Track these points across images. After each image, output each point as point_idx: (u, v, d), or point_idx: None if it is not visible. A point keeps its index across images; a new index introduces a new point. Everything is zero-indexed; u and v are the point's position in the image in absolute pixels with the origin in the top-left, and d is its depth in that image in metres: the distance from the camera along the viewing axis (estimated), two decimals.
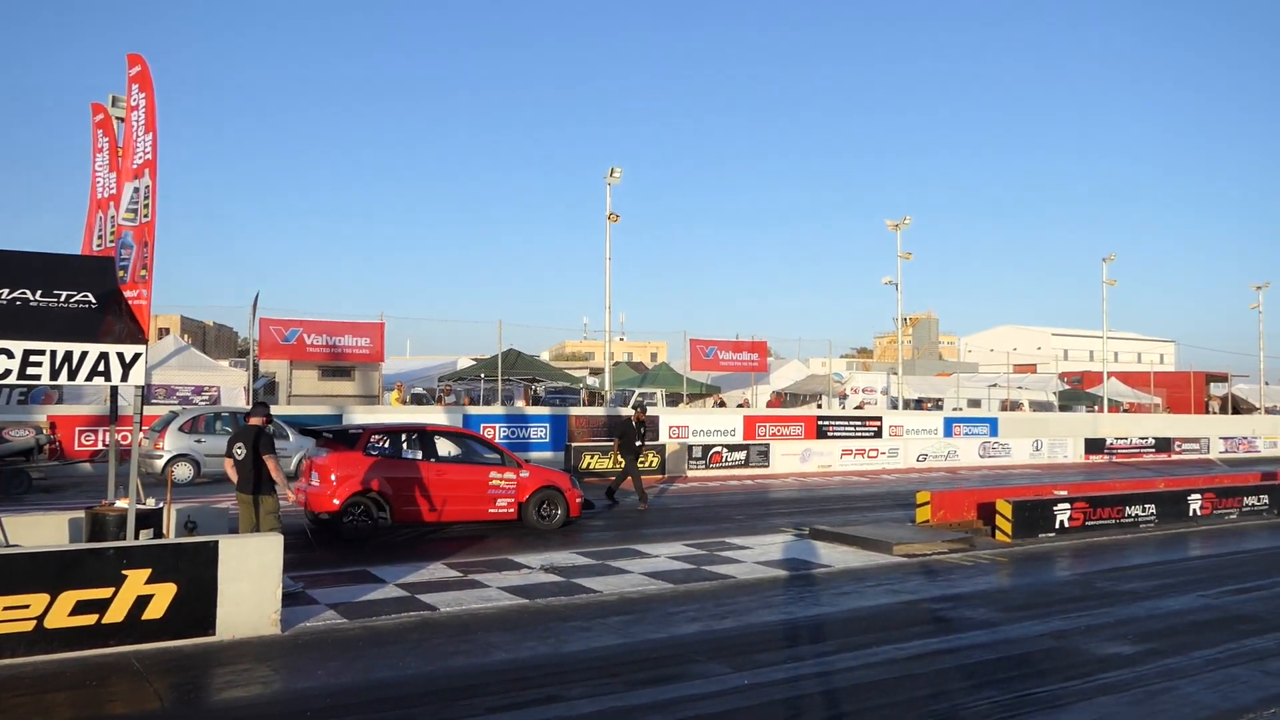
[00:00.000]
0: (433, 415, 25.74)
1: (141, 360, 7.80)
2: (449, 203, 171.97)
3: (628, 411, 25.89)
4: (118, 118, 9.56)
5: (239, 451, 10.14)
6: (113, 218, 8.81)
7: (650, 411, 30.65)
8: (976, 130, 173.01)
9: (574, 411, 29.21)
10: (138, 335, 7.86)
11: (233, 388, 25.47)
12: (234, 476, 10.24)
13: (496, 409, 27.57)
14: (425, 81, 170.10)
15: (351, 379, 27.19)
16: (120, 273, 8.34)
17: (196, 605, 7.69)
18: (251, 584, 7.95)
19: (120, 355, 7.67)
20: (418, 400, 31.42)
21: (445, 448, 14.45)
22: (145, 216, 8.33)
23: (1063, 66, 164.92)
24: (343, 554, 12.03)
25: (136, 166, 8.74)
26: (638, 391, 35.38)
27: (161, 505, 9.00)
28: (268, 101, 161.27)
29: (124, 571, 7.40)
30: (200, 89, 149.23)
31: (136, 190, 8.59)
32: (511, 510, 14.43)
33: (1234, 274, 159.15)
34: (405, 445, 14.07)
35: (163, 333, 44.84)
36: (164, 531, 8.79)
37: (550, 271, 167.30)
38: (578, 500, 15.08)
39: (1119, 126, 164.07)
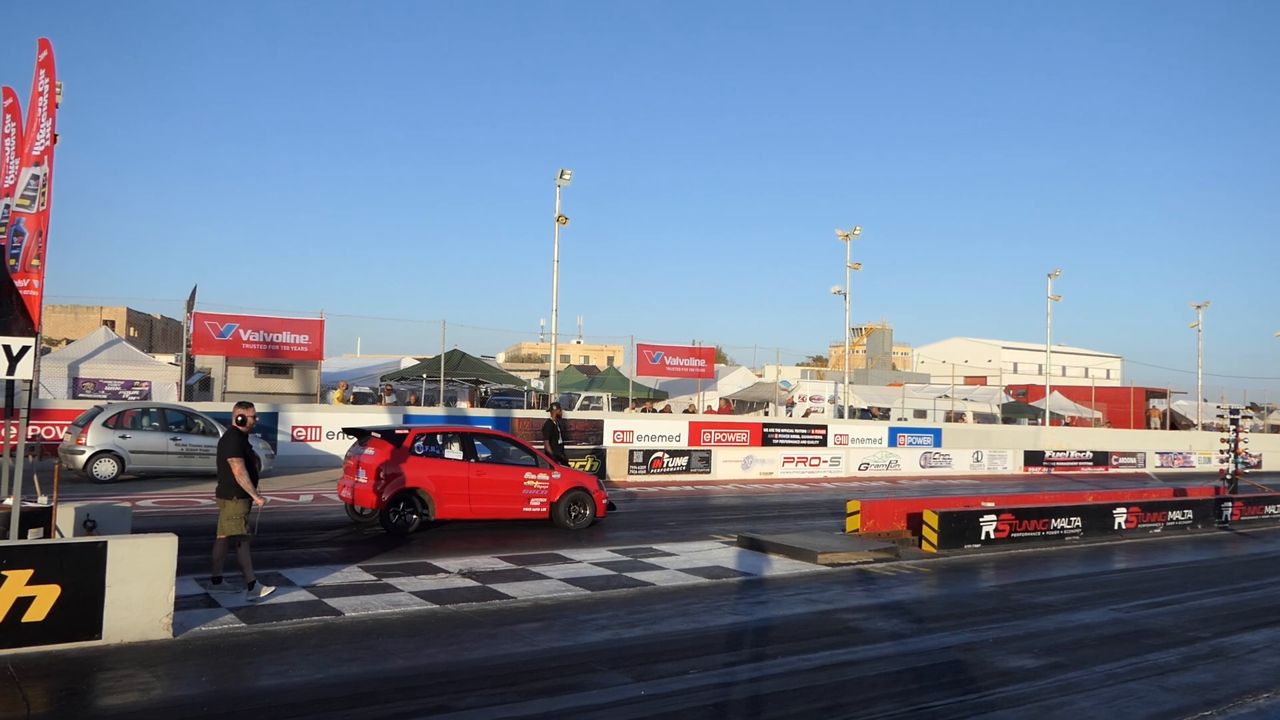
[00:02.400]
0: (373, 415, 25.37)
1: (31, 352, 7.52)
2: (401, 202, 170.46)
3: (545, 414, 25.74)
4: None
5: (213, 454, 9.82)
6: (6, 205, 8.50)
7: (595, 416, 30.53)
8: (934, 143, 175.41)
9: (518, 414, 28.97)
10: (27, 327, 7.57)
11: (165, 383, 24.88)
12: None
13: (438, 410, 27.25)
14: (375, 77, 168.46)
15: (289, 377, 26.70)
16: (11, 261, 8.03)
17: (82, 608, 7.41)
18: (142, 587, 7.68)
19: (7, 348, 7.38)
20: (360, 399, 30.94)
21: (485, 449, 15.11)
22: (41, 205, 8.05)
23: (1014, 81, 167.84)
24: (254, 556, 11.71)
25: (37, 154, 8.45)
26: (583, 395, 35.22)
27: (52, 504, 8.67)
28: (218, 94, 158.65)
29: (3, 572, 7.11)
30: (146, 80, 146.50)
31: (35, 177, 8.30)
32: (544, 510, 15.13)
33: (1178, 292, 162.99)
34: (448, 446, 14.73)
35: (108, 325, 43.79)
36: (52, 531, 8.47)
37: (506, 273, 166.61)
38: (604, 501, 15.90)
39: (1069, 142, 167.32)
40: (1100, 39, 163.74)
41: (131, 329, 70.17)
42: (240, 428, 9.54)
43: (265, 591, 9.28)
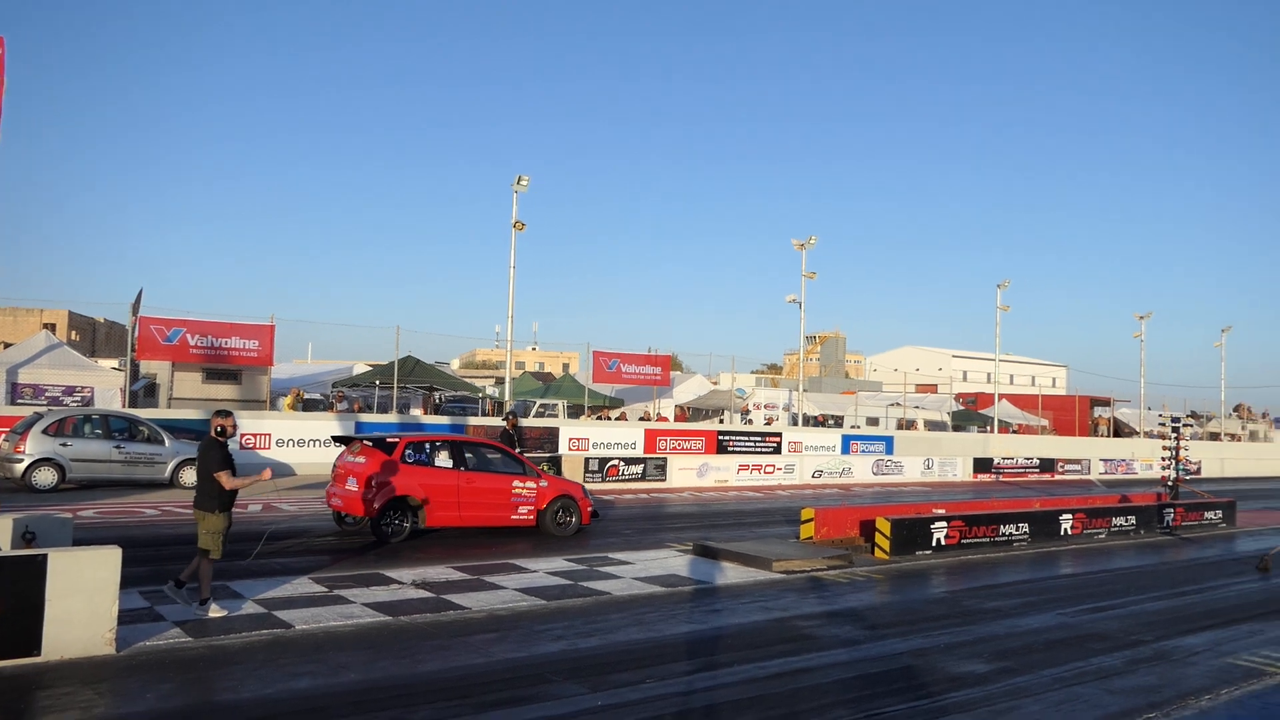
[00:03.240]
0: (324, 423, 25.01)
1: None
2: (355, 207, 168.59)
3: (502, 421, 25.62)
4: None
5: (195, 464, 9.39)
6: None
7: (550, 423, 30.41)
8: (888, 152, 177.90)
9: (472, 421, 28.75)
10: None
11: (109, 389, 24.25)
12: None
13: (391, 417, 26.96)
14: (328, 80, 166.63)
15: (238, 383, 26.20)
16: None
17: (20, 623, 7.18)
18: (85, 601, 7.47)
19: None
20: (311, 406, 30.47)
21: (474, 457, 15.18)
22: None
23: (965, 91, 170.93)
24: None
25: None
26: (539, 402, 35.07)
27: None
28: (165, 93, 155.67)
29: None
30: (90, 75, 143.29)
31: None
32: (531, 517, 15.31)
33: (1121, 303, 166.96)
34: (437, 454, 14.83)
35: (49, 328, 42.60)
36: None
37: (461, 279, 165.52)
38: (589, 509, 16.09)
39: (1017, 152, 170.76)
40: (1047, 48, 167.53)
41: (73, 332, 68.40)
42: (220, 438, 9.25)
43: (216, 613, 9.00)
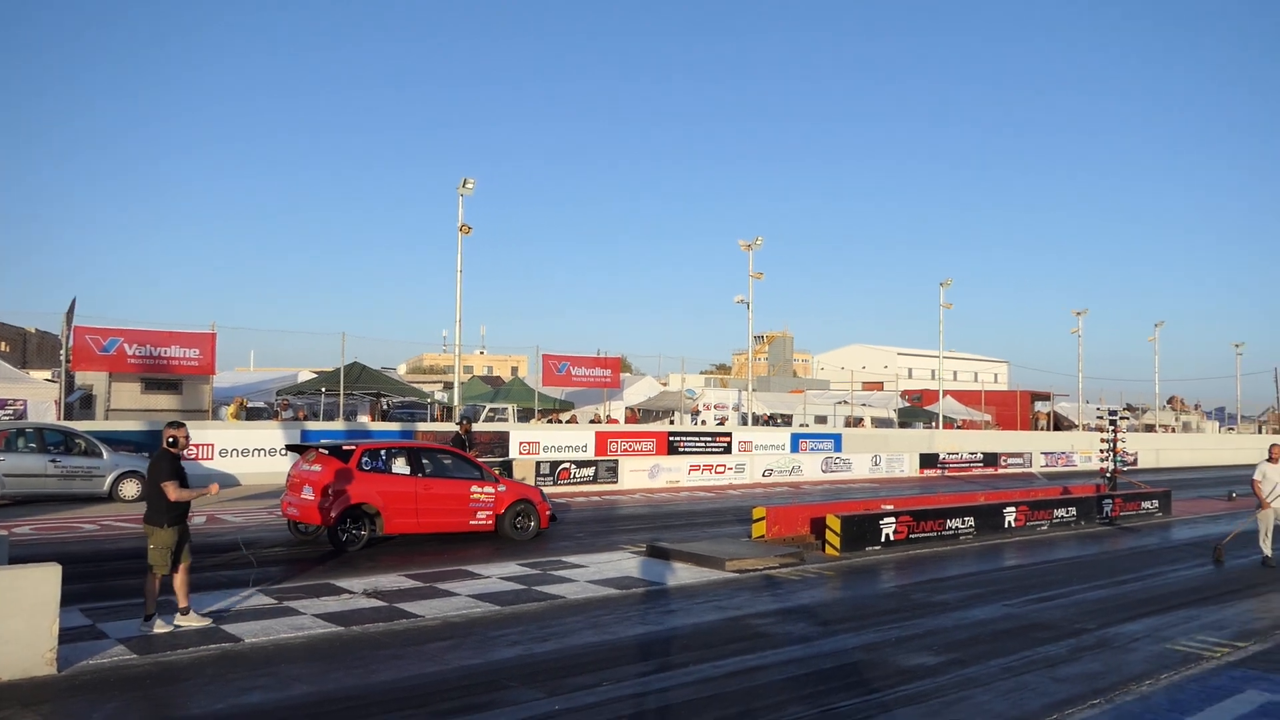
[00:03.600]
0: (268, 431, 24.58)
1: None
2: (298, 211, 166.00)
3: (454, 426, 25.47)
4: None
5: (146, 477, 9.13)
6: None
7: (501, 427, 30.25)
8: (833, 152, 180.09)
9: (421, 427, 28.49)
10: None
11: (42, 401, 23.54)
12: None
13: (337, 424, 26.57)
14: (269, 82, 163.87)
15: (179, 393, 25.62)
16: None
17: None
18: (24, 621, 7.26)
19: None
20: (255, 415, 29.90)
21: (431, 464, 15.12)
22: None
23: (903, 92, 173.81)
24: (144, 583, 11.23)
25: None
26: (488, 407, 34.85)
27: None
28: (96, 95, 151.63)
29: None
30: (14, 75, 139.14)
31: None
32: (490, 522, 15.30)
33: (1060, 300, 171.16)
34: (394, 461, 14.75)
35: None
36: None
37: (408, 284, 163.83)
38: (547, 513, 16.10)
39: (957, 151, 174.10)
40: (988, 47, 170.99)
41: (3, 343, 66.26)
42: (172, 449, 9.06)
43: (161, 629, 8.79)
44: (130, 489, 19.37)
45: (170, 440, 9.08)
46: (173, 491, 8.84)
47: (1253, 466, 15.49)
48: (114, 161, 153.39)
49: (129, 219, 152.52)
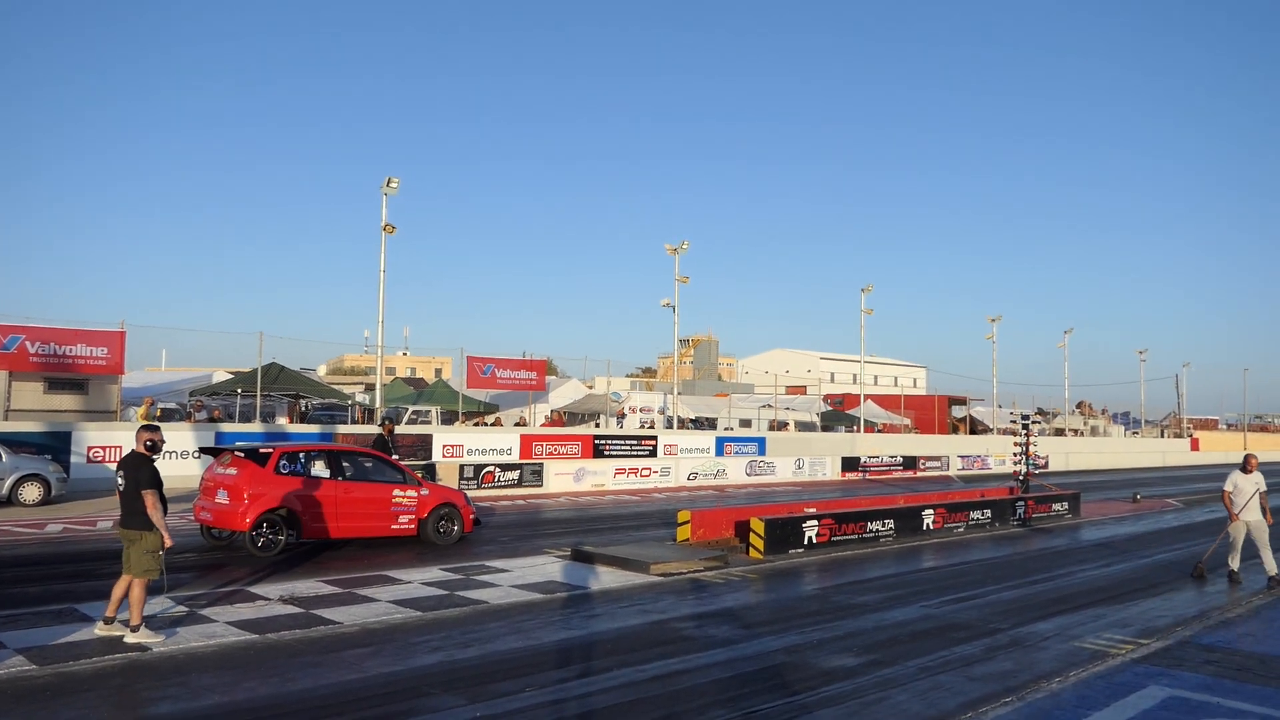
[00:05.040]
0: (180, 433, 23.77)
1: None
2: (213, 207, 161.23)
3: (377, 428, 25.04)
4: None
5: (119, 481, 8.66)
6: None
7: (424, 430, 29.81)
8: (756, 156, 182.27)
9: (342, 429, 27.90)
10: None
11: None
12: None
13: (254, 426, 25.86)
14: (185, 73, 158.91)
15: (84, 393, 24.61)
16: None
17: None
18: None
19: None
20: (167, 416, 28.89)
21: (351, 467, 14.83)
22: None
23: (822, 96, 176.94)
24: (46, 590, 10.77)
25: None
26: (411, 409, 34.32)
27: None
28: (9, 91, 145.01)
29: None
30: None
31: None
32: (412, 527, 15.06)
33: (976, 307, 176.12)
34: (314, 464, 14.44)
35: None
36: None
37: (328, 283, 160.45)
38: (471, 517, 15.89)
39: (877, 157, 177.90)
40: (903, 49, 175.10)
41: None
42: (151, 453, 8.71)
43: (151, 638, 8.42)
44: (31, 492, 18.56)
45: (148, 444, 8.74)
46: (151, 502, 8.50)
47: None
48: (18, 154, 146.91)
49: (36, 214, 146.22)
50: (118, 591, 8.67)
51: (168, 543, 8.65)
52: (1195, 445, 69.60)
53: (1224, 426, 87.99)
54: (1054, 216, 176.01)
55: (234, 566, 12.74)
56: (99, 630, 8.57)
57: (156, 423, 9.94)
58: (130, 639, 8.39)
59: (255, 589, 11.11)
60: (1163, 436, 72.01)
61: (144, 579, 8.57)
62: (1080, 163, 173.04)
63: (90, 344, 23.29)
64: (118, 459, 22.22)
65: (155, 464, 8.81)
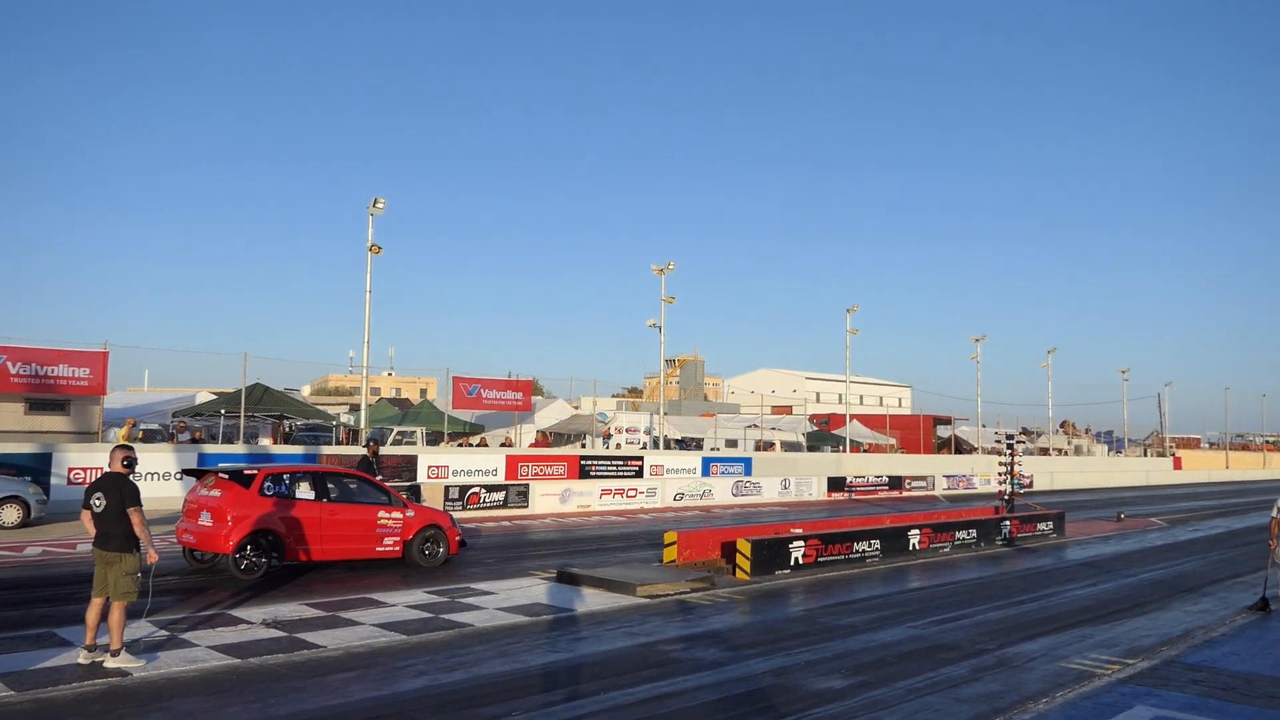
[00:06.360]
0: (163, 454, 23.57)
1: None
2: (200, 228, 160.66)
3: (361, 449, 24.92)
4: None
5: (97, 502, 8.52)
6: None
7: (408, 450, 29.66)
8: (743, 181, 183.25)
9: (326, 450, 27.73)
10: None
11: None
12: (91, 530, 8.66)
13: (238, 448, 25.67)
14: (174, 94, 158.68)
15: (66, 413, 24.40)
16: None
17: None
18: None
19: None
20: (150, 437, 28.67)
21: (336, 488, 14.72)
22: None
23: (806, 121, 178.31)
24: (25, 614, 10.62)
25: None
26: (396, 429, 34.16)
27: None
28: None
29: None
30: None
31: None
32: (397, 549, 14.95)
33: (960, 326, 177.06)
34: (298, 486, 14.36)
35: None
36: None
37: (314, 303, 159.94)
38: (457, 539, 15.75)
39: (858, 178, 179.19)
40: (885, 86, 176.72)
41: None
42: (129, 470, 8.73)
43: (131, 663, 8.30)
44: (10, 514, 18.35)
45: (125, 462, 8.74)
46: (140, 520, 8.46)
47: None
48: (2, 171, 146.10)
49: (17, 231, 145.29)
50: (92, 618, 8.54)
51: (153, 558, 8.57)
52: (1178, 464, 70.06)
53: (1206, 445, 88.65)
54: (1037, 237, 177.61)
55: (216, 589, 12.61)
56: (81, 658, 8.44)
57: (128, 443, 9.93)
58: (110, 664, 8.27)
59: (238, 612, 10.99)
60: (1146, 455, 72.41)
61: (125, 601, 8.47)
62: (1063, 184, 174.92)
63: (72, 364, 23.10)
64: None
65: (135, 484, 8.75)
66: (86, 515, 8.70)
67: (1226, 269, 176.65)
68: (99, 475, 9.06)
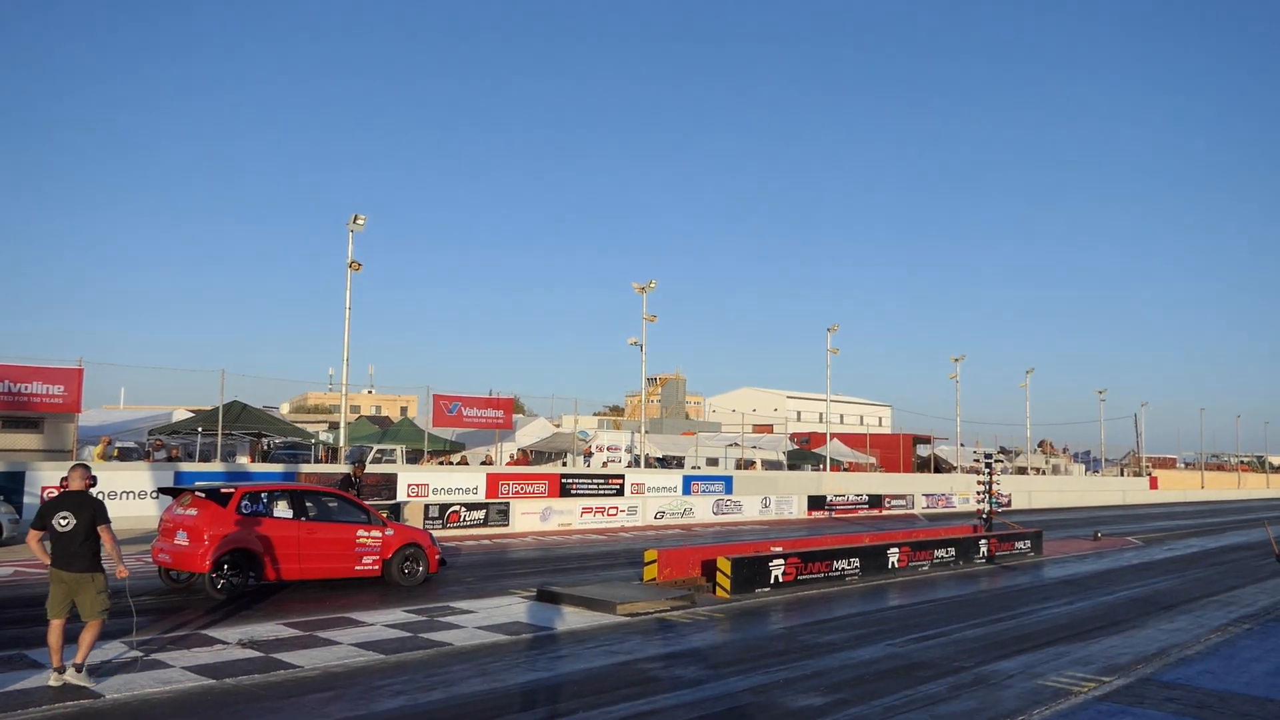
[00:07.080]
0: (139, 473, 23.34)
1: None
2: (176, 244, 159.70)
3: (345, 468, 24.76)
4: None
5: (63, 521, 8.33)
6: None
7: (388, 469, 29.51)
8: (726, 199, 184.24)
9: (305, 468, 27.53)
10: None
11: None
12: (41, 554, 8.44)
13: (215, 466, 25.46)
14: (152, 110, 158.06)
15: (39, 431, 24.13)
16: None
17: None
18: None
19: None
20: (125, 455, 28.36)
21: (315, 507, 14.65)
22: None
23: (789, 143, 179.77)
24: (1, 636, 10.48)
25: None
26: (376, 448, 33.97)
27: None
28: None
29: None
30: None
31: None
32: (376, 567, 14.87)
33: (939, 346, 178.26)
34: (276, 505, 14.37)
35: None
36: None
37: (292, 320, 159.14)
38: (437, 557, 15.68)
39: (843, 201, 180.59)
40: (864, 103, 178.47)
41: None
42: (92, 486, 8.75)
43: (93, 684, 8.23)
44: None
45: (92, 479, 8.76)
46: (109, 537, 8.43)
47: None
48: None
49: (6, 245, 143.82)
50: (54, 640, 8.42)
51: (123, 573, 8.51)
52: (1154, 484, 70.69)
53: (1182, 465, 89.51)
54: (1015, 258, 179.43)
55: (192, 609, 12.48)
56: (51, 680, 8.33)
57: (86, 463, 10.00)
58: (71, 678, 8.17)
59: (213, 632, 10.88)
60: (1122, 475, 73.01)
61: (101, 620, 8.40)
62: (1042, 205, 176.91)
63: (46, 381, 22.85)
64: None
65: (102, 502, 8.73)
66: (37, 536, 8.43)
67: (1202, 291, 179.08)
68: (56, 494, 8.94)
